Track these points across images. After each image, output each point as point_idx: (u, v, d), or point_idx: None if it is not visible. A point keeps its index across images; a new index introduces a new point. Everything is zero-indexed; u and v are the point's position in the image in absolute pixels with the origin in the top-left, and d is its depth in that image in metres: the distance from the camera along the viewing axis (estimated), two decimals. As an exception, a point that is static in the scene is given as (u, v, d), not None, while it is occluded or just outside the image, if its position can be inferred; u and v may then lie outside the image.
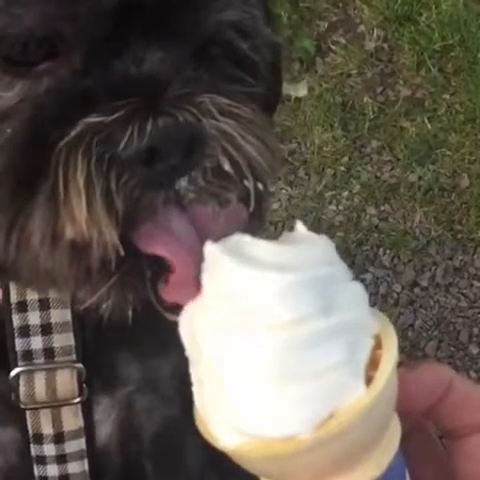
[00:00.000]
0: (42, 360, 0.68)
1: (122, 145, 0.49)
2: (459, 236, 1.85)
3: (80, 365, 0.69)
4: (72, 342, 0.69)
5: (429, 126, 1.97)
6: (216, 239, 0.45)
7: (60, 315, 0.68)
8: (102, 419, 0.74)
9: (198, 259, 0.46)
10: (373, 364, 0.43)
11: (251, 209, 0.54)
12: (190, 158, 0.51)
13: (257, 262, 0.43)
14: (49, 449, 0.70)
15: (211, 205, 0.53)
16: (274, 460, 0.43)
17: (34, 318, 0.68)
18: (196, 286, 0.45)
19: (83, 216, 0.48)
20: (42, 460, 0.70)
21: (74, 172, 0.49)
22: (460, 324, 1.74)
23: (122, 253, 0.49)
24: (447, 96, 2.02)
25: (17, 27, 0.51)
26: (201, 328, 0.44)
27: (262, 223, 0.58)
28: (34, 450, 0.70)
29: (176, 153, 0.50)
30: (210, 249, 0.44)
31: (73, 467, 0.71)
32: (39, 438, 0.70)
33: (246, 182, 0.53)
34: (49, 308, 0.68)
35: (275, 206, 1.90)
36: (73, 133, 0.49)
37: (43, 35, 0.52)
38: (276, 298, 0.42)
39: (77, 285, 0.54)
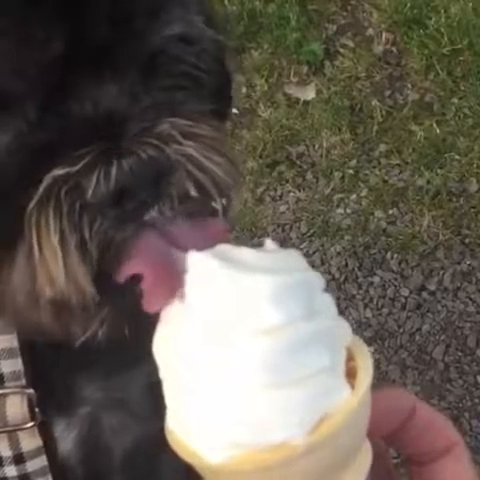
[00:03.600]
0: None
1: (90, 192, 0.49)
2: (467, 241, 1.84)
3: (30, 390, 0.68)
4: (20, 367, 0.68)
5: (437, 130, 1.97)
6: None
7: (6, 341, 0.68)
8: (62, 437, 0.74)
9: (169, 267, 0.48)
10: (347, 374, 0.43)
11: (222, 225, 0.55)
12: (158, 189, 0.52)
13: (245, 266, 0.43)
14: (10, 470, 0.70)
15: (183, 223, 0.54)
16: (265, 471, 0.41)
17: None
18: (170, 287, 0.46)
19: (61, 275, 0.50)
20: None
21: (47, 231, 0.50)
22: (468, 329, 1.74)
23: (97, 300, 0.51)
24: (456, 100, 2.01)
25: None
26: (183, 342, 0.43)
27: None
28: None
29: (144, 188, 0.51)
30: (196, 257, 0.44)
31: None
32: None
33: (214, 203, 0.55)
34: None
35: (283, 209, 1.90)
36: (41, 190, 0.50)
37: None
38: (268, 300, 0.42)
39: (62, 332, 0.55)
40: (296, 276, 0.43)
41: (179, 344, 0.43)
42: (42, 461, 0.71)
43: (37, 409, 0.69)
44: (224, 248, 0.45)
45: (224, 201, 0.55)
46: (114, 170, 0.50)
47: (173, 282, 0.45)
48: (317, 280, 0.45)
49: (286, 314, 0.42)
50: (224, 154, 0.55)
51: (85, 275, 0.50)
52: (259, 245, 0.47)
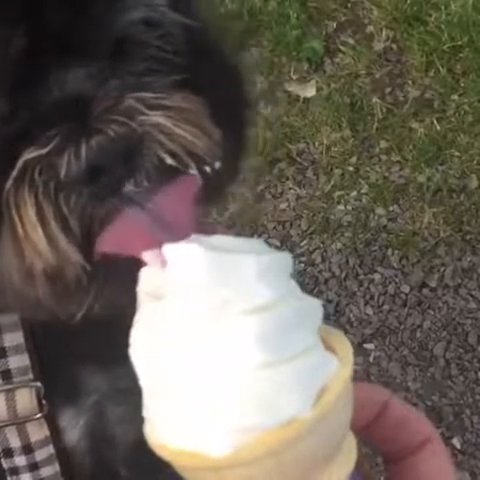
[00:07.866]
0: (0, 382, 0.71)
1: (63, 171, 0.51)
2: (468, 237, 1.84)
3: (38, 383, 0.72)
4: (27, 362, 0.71)
5: (438, 127, 1.97)
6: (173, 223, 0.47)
7: (12, 338, 0.71)
8: (69, 426, 0.77)
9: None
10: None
11: (207, 194, 0.56)
12: (131, 163, 0.53)
13: (223, 248, 0.43)
14: (20, 460, 0.74)
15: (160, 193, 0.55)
16: (274, 454, 0.41)
17: None
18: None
19: (45, 246, 0.52)
20: (15, 471, 0.74)
21: (25, 208, 0.52)
22: (469, 325, 1.74)
23: (88, 268, 0.53)
24: (456, 97, 2.01)
25: None
26: (171, 335, 0.42)
27: (223, 202, 0.59)
28: (6, 464, 0.74)
29: (116, 164, 0.53)
30: (172, 247, 0.44)
31: (45, 471, 0.75)
32: (9, 452, 0.73)
33: (191, 170, 0.55)
34: (1, 333, 0.71)
35: (283, 206, 1.90)
36: (15, 172, 0.52)
37: None
38: (256, 278, 0.41)
39: (60, 307, 0.57)
40: (274, 255, 0.44)
41: (166, 338, 0.42)
42: (49, 450, 0.74)
43: (44, 401, 0.72)
44: (196, 237, 0.45)
45: (207, 169, 0.56)
46: (83, 149, 0.51)
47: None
48: (289, 260, 0.45)
49: (275, 291, 0.42)
50: (195, 122, 0.55)
51: (68, 244, 0.52)
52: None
